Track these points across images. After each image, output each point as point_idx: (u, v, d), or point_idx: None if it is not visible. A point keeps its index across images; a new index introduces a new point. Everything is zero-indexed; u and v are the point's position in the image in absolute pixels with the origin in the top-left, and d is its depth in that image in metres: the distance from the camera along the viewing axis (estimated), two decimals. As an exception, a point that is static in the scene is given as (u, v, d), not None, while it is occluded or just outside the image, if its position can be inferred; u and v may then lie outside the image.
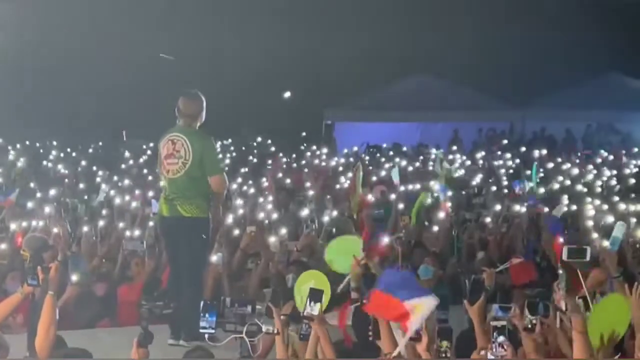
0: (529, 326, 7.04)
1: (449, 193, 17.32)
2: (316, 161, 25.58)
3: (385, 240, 11.46)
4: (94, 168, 24.13)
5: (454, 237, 13.81)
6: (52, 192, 18.46)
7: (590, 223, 14.75)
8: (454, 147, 29.35)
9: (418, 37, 32.85)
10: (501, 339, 6.71)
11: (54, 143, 29.33)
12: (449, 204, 16.20)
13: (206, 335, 7.51)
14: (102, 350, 8.42)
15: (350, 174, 21.22)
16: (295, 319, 8.00)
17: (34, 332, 7.43)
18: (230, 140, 28.80)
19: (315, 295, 7.51)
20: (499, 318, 7.27)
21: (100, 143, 30.02)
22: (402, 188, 18.94)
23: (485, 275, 8.96)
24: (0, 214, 14.72)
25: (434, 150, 26.73)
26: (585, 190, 20.09)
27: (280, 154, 26.50)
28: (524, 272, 10.59)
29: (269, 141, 29.35)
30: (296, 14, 33.05)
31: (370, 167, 24.37)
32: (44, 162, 25.71)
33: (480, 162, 25.84)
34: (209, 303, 7.49)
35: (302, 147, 28.95)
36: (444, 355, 6.79)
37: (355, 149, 28.68)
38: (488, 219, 15.45)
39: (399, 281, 6.89)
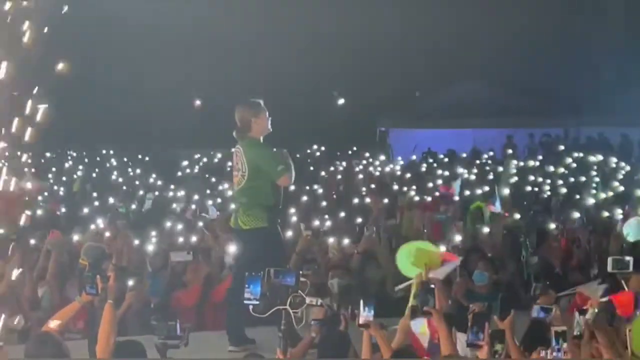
0: (578, 333, 7.03)
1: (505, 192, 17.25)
2: (370, 168, 25.58)
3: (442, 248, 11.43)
4: (154, 176, 24.38)
5: (524, 245, 13.64)
6: (111, 200, 18.71)
7: None
8: (509, 151, 29.18)
9: (472, 43, 32.74)
10: (562, 344, 6.70)
11: (111, 152, 29.62)
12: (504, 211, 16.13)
13: (250, 307, 7.53)
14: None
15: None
16: (327, 323, 8.02)
17: (94, 340, 7.51)
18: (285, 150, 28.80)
19: (368, 300, 7.53)
20: (540, 319, 7.30)
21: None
22: (456, 198, 18.94)
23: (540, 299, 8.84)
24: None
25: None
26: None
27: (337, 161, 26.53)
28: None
29: (323, 148, 29.38)
30: (350, 21, 33.05)
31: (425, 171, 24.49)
32: (101, 170, 26.05)
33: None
34: (253, 274, 7.50)
35: (356, 154, 28.92)
36: (497, 357, 6.85)
37: (414, 157, 28.62)
38: (553, 225, 15.34)
39: None
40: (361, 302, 7.56)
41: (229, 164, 28.17)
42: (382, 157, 28.05)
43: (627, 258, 7.59)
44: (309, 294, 7.76)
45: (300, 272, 8.02)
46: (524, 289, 12.13)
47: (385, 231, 13.95)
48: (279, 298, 7.54)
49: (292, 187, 19.58)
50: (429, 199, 18.37)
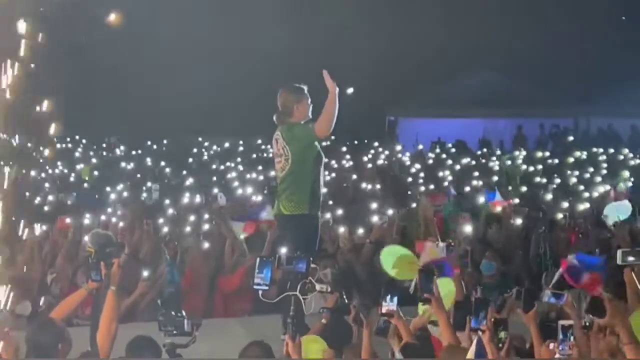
0: (587, 324, 7.02)
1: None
2: (380, 158, 25.56)
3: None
4: (162, 163, 24.42)
5: (543, 236, 13.61)
6: (120, 187, 18.75)
7: None
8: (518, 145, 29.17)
9: (482, 34, 32.66)
10: (568, 337, 6.69)
11: (118, 142, 29.65)
12: (514, 201, 16.14)
13: (260, 292, 7.56)
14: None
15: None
16: (338, 312, 8.02)
17: (96, 327, 7.52)
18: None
19: (392, 289, 7.55)
20: (551, 304, 7.31)
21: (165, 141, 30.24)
22: (467, 188, 19.02)
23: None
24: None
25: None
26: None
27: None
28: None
29: (333, 137, 29.31)
30: (360, 10, 33.03)
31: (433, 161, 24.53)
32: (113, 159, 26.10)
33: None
34: (265, 259, 7.50)
35: (365, 143, 28.92)
36: (501, 345, 6.90)
37: (421, 147, 28.64)
38: (560, 215, 15.36)
39: None
40: (382, 291, 7.61)
41: (241, 150, 28.46)
42: (399, 147, 27.97)
43: (638, 249, 7.52)
44: (318, 281, 7.79)
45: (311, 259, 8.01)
46: (532, 280, 12.12)
47: (400, 221, 13.94)
48: (288, 284, 7.56)
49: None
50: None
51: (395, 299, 7.52)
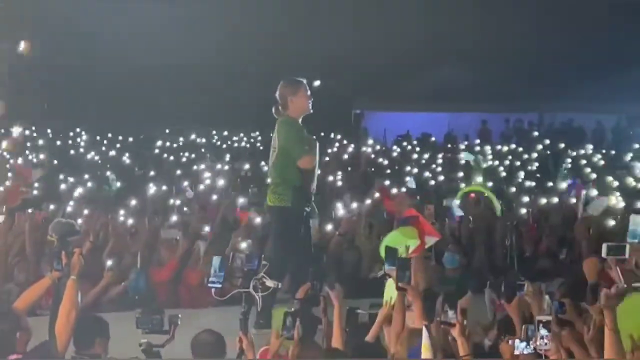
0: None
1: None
2: (346, 152, 25.56)
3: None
4: (126, 155, 24.30)
5: (511, 229, 13.70)
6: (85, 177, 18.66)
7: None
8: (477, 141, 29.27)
9: (448, 28, 32.74)
10: (544, 332, 6.74)
11: (83, 133, 29.47)
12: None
13: (213, 290, 7.59)
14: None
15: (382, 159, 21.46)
16: (311, 302, 8.07)
17: (55, 317, 7.47)
18: (257, 133, 28.50)
19: (390, 258, 7.70)
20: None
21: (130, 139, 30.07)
22: (432, 182, 19.12)
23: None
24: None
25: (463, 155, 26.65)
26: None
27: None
28: None
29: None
30: (327, 3, 32.99)
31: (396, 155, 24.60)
32: (73, 151, 25.94)
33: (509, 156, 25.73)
34: (222, 257, 7.59)
35: (331, 137, 28.93)
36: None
37: (399, 139, 28.79)
38: (524, 210, 15.49)
39: None
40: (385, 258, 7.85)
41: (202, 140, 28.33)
42: (370, 141, 27.99)
43: (623, 243, 7.54)
44: (272, 276, 7.88)
45: (262, 255, 8.09)
46: (495, 273, 12.19)
47: (368, 217, 13.98)
48: (239, 281, 7.64)
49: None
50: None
51: (392, 264, 7.64)
